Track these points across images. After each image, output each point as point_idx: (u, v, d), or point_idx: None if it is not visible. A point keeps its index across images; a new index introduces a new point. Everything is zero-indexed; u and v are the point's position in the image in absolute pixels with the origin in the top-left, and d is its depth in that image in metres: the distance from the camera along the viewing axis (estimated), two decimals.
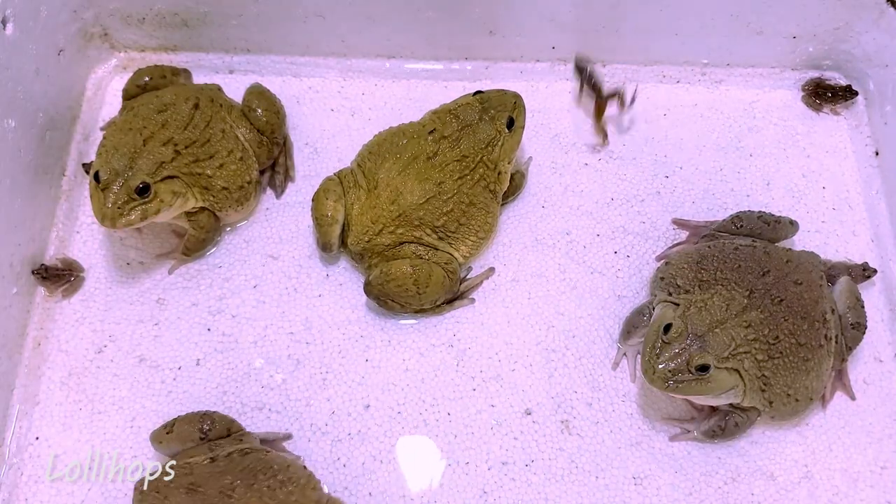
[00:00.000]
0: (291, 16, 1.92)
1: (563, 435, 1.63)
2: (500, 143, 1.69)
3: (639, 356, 1.61)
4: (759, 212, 1.73)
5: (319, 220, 1.71)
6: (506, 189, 1.77)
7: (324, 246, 1.73)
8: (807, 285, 1.57)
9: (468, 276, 1.78)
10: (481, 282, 1.77)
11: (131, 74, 1.84)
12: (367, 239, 1.66)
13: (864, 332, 1.64)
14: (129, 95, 1.82)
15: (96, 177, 1.55)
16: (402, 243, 1.66)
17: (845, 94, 1.97)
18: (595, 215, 1.86)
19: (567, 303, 1.76)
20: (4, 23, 1.66)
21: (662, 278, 1.64)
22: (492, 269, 1.78)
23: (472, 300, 1.75)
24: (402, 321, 1.73)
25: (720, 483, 1.60)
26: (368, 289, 1.66)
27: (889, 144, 1.89)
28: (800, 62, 2.02)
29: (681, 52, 2.00)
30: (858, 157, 1.94)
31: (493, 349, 1.71)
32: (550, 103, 1.99)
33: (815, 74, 2.03)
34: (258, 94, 1.84)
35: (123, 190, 1.54)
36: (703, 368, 1.42)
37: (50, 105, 1.82)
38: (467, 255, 1.72)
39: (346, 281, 1.77)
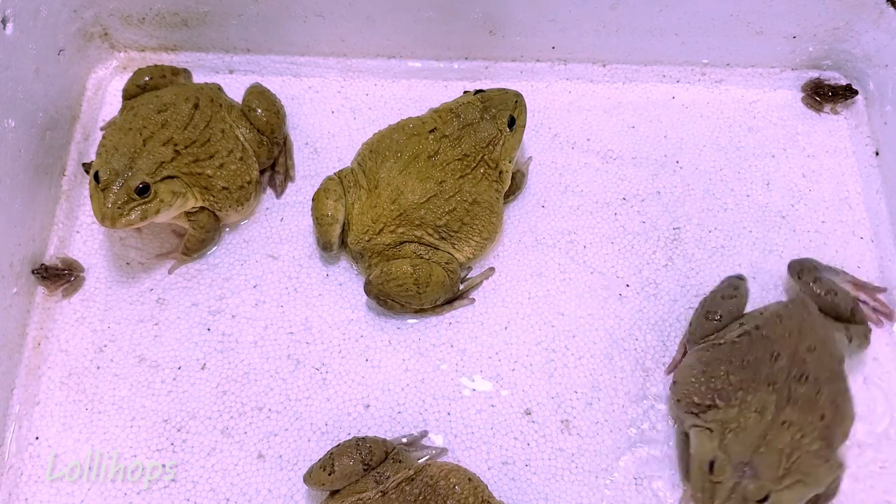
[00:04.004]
0: (291, 16, 1.92)
1: (563, 435, 1.63)
2: (501, 143, 1.69)
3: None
4: (712, 293, 1.66)
5: (319, 220, 1.71)
6: (507, 189, 1.77)
7: (324, 245, 1.73)
8: (820, 346, 1.48)
9: (468, 276, 1.78)
10: (481, 282, 1.77)
11: (131, 74, 1.85)
12: (367, 238, 1.66)
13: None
14: (129, 95, 1.82)
15: (96, 177, 1.55)
16: (402, 243, 1.66)
17: (845, 93, 1.97)
18: (595, 215, 1.86)
19: (567, 303, 1.76)
20: (4, 23, 1.66)
21: (679, 401, 1.54)
22: (492, 269, 1.78)
23: (472, 300, 1.75)
24: (402, 321, 1.73)
25: None
26: (368, 288, 1.66)
27: (889, 144, 1.89)
28: (800, 62, 2.02)
29: (681, 52, 2.00)
30: (858, 157, 1.94)
31: (493, 349, 1.71)
32: (550, 103, 1.99)
33: (814, 74, 2.03)
34: (258, 94, 1.84)
35: (123, 190, 1.54)
36: (765, 499, 1.33)
37: (50, 105, 1.82)
38: (470, 255, 1.72)
39: (346, 281, 1.77)
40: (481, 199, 1.68)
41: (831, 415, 1.42)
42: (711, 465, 1.38)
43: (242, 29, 1.96)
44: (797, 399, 1.41)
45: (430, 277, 1.63)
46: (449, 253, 1.69)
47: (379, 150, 1.71)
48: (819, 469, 1.37)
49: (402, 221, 1.65)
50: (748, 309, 1.66)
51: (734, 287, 1.65)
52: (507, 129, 1.70)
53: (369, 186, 1.69)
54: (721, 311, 1.62)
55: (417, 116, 1.76)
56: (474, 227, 1.69)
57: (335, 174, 1.75)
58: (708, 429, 1.45)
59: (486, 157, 1.68)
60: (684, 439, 1.54)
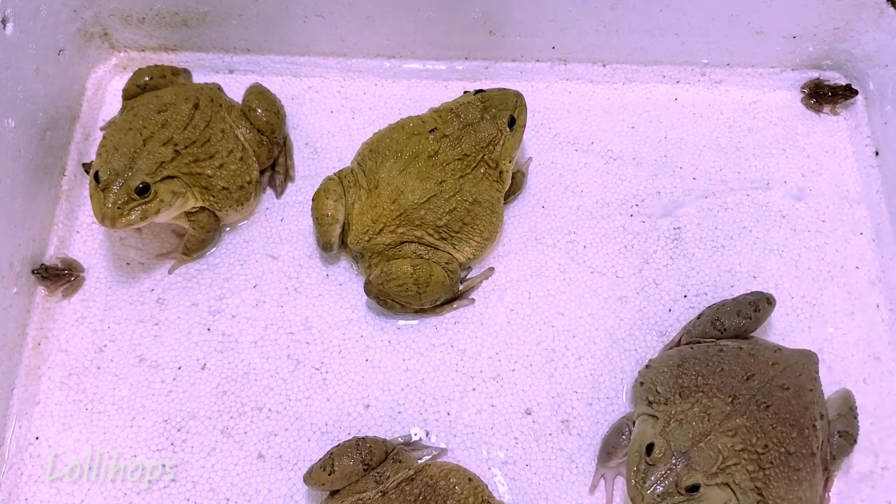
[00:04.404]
0: (291, 16, 1.92)
1: (563, 435, 1.63)
2: (501, 142, 1.69)
3: (618, 478, 1.57)
4: (735, 301, 1.66)
5: (319, 220, 1.71)
6: (507, 189, 1.77)
7: (324, 245, 1.73)
8: (794, 390, 1.48)
9: (468, 276, 1.78)
10: (481, 282, 1.77)
11: (131, 74, 1.85)
12: (367, 238, 1.66)
13: (852, 444, 1.56)
14: (129, 95, 1.82)
15: (96, 177, 1.55)
16: (402, 243, 1.66)
17: (845, 93, 1.97)
18: (595, 215, 1.86)
19: (567, 303, 1.76)
20: (4, 23, 1.66)
21: (642, 384, 1.56)
22: (492, 269, 1.78)
23: (472, 300, 1.75)
24: (402, 321, 1.73)
25: None
26: (368, 288, 1.66)
27: (889, 144, 1.89)
28: (800, 62, 2.02)
29: (681, 52, 2.00)
30: (858, 157, 1.94)
31: (493, 349, 1.71)
32: (550, 103, 1.99)
33: (814, 74, 2.03)
34: (258, 94, 1.84)
35: (123, 190, 1.54)
36: (693, 489, 1.34)
37: (50, 105, 1.82)
38: (471, 256, 1.72)
39: (346, 281, 1.77)
40: (482, 199, 1.68)
41: (774, 456, 1.40)
42: (650, 448, 1.39)
43: (242, 29, 1.96)
44: (751, 419, 1.42)
45: (431, 277, 1.63)
46: (449, 253, 1.69)
47: (379, 149, 1.71)
48: (743, 485, 1.38)
49: (403, 221, 1.64)
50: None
51: (756, 309, 1.63)
52: (508, 129, 1.70)
53: (369, 186, 1.69)
54: (728, 325, 1.61)
55: (417, 115, 1.76)
56: (475, 227, 1.69)
57: (335, 174, 1.75)
58: (654, 416, 1.48)
59: (486, 156, 1.68)
60: (621, 429, 1.55)
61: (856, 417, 1.59)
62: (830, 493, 1.58)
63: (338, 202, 1.70)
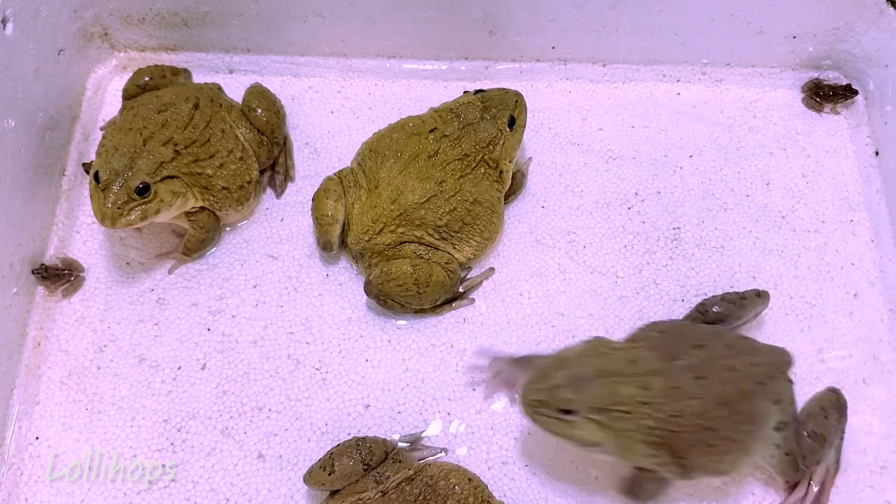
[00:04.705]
0: (291, 16, 1.92)
1: None
2: (501, 142, 1.69)
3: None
4: (723, 294, 1.65)
5: (319, 220, 1.71)
6: (507, 188, 1.77)
7: (324, 245, 1.73)
8: (742, 375, 1.44)
9: (468, 276, 1.78)
10: (481, 282, 1.77)
11: (131, 74, 1.85)
12: (367, 238, 1.66)
13: (823, 445, 1.51)
14: (129, 95, 1.83)
15: (96, 177, 1.55)
16: (402, 243, 1.66)
17: (845, 93, 1.97)
18: (595, 215, 1.86)
19: (567, 303, 1.76)
20: (4, 23, 1.66)
21: None
22: (492, 269, 1.78)
23: (472, 300, 1.75)
24: (402, 321, 1.73)
25: (720, 483, 1.60)
26: (368, 288, 1.66)
27: (889, 144, 1.89)
28: (800, 62, 2.02)
29: (681, 52, 2.00)
30: (858, 157, 1.94)
31: (493, 349, 1.71)
32: (550, 103, 1.99)
33: (815, 74, 2.03)
34: (258, 94, 1.85)
35: (123, 190, 1.54)
36: (567, 412, 1.35)
37: (50, 105, 1.82)
38: (471, 256, 1.72)
39: (346, 281, 1.78)
40: (482, 199, 1.68)
41: (686, 424, 1.38)
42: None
43: (242, 29, 1.96)
44: (677, 382, 1.38)
45: (430, 277, 1.63)
46: (449, 253, 1.69)
47: (379, 149, 1.71)
48: (631, 435, 1.37)
49: (403, 221, 1.64)
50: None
51: (742, 297, 1.63)
52: (508, 129, 1.70)
53: (369, 186, 1.69)
54: (709, 306, 1.60)
55: (417, 115, 1.76)
56: (475, 227, 1.69)
57: (335, 174, 1.75)
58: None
59: (486, 156, 1.68)
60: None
61: (827, 417, 1.54)
62: (830, 493, 1.58)
63: (338, 202, 1.70)
